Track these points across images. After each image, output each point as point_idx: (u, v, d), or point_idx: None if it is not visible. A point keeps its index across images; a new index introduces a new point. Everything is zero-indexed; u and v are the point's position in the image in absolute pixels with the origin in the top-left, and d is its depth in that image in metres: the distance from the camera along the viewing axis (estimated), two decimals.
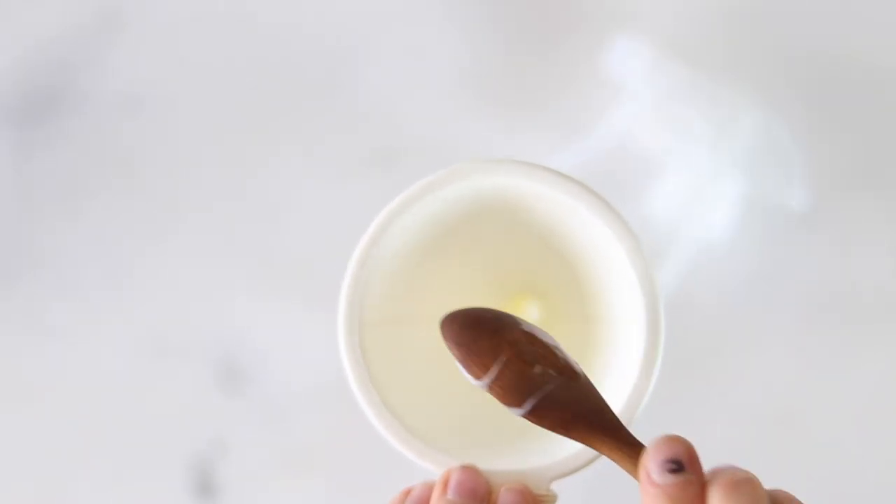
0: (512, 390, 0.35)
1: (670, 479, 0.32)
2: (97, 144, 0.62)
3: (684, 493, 0.32)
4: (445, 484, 0.36)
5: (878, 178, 0.60)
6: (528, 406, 0.35)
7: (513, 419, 0.36)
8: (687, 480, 0.32)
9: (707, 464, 0.33)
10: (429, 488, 0.36)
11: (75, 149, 0.62)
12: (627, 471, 0.34)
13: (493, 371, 0.35)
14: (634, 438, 0.35)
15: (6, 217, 0.62)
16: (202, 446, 0.60)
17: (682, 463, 0.32)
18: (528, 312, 0.45)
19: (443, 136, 0.61)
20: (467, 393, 0.41)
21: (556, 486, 0.36)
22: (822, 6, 0.61)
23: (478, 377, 0.35)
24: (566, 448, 0.37)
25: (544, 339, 0.36)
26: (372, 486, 0.59)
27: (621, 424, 0.35)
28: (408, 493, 0.36)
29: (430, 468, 0.37)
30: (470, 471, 0.36)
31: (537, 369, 0.35)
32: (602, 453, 0.35)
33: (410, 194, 0.38)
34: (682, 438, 0.33)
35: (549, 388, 0.35)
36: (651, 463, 0.32)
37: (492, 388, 0.35)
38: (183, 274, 0.61)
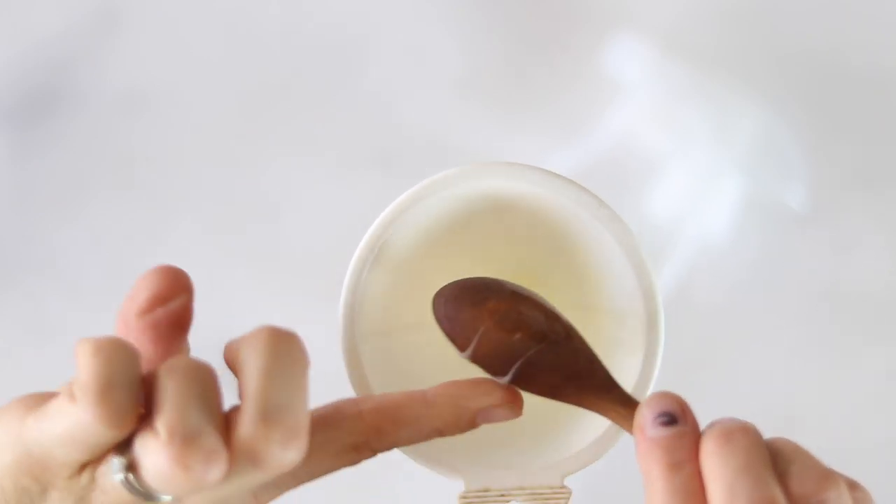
0: (493, 359, 0.35)
1: (663, 431, 0.33)
2: (96, 144, 0.62)
3: (677, 444, 0.32)
4: None
5: (878, 178, 0.61)
6: (512, 373, 0.35)
7: (525, 416, 0.36)
8: (680, 432, 0.32)
9: None
10: None
11: (75, 148, 0.62)
12: (624, 428, 0.35)
13: (475, 342, 0.35)
14: (628, 396, 0.35)
15: (6, 217, 0.62)
16: None
17: (675, 416, 0.33)
18: None
19: (443, 136, 0.61)
20: None
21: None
22: (822, 7, 0.61)
23: (462, 349, 0.36)
24: (579, 442, 0.37)
25: (534, 302, 0.36)
26: (372, 485, 0.59)
27: (614, 383, 0.36)
28: None
29: (437, 471, 0.37)
30: None
31: (517, 336, 0.35)
32: (596, 412, 0.36)
33: (413, 194, 0.38)
34: (674, 394, 0.34)
35: (531, 354, 0.35)
36: (645, 418, 0.33)
37: (475, 358, 0.36)
38: None
